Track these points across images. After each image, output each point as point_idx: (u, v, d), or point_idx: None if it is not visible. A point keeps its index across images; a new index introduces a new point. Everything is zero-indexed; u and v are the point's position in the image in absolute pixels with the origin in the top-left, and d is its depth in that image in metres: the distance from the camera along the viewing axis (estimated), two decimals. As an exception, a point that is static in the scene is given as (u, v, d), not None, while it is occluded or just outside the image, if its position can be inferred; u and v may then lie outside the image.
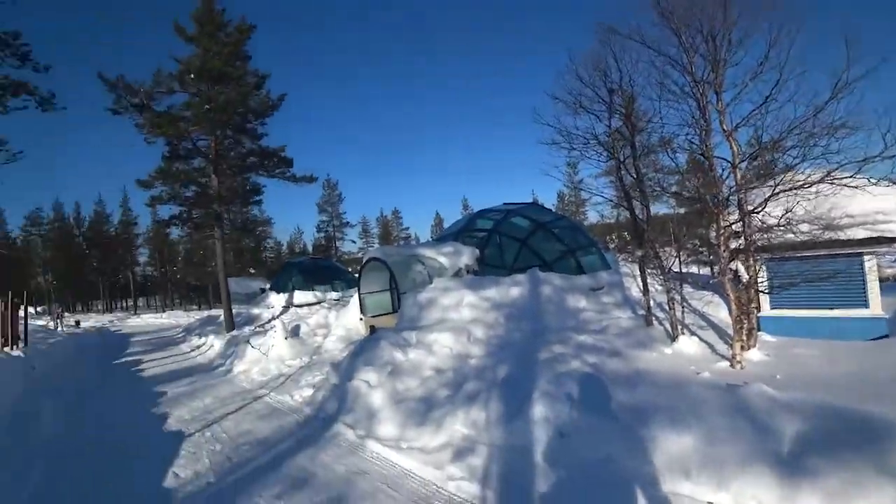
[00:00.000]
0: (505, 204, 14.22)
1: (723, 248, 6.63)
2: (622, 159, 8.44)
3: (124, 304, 66.78)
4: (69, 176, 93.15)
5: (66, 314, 39.73)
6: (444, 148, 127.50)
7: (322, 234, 61.64)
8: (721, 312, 8.81)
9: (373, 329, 10.50)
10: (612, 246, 13.44)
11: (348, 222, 62.50)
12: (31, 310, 13.31)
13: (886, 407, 3.85)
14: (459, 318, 8.93)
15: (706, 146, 7.01)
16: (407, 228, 75.48)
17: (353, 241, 65.08)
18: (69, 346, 17.22)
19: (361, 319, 11.89)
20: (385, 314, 11.82)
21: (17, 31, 12.75)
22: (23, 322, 12.80)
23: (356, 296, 12.55)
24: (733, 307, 6.52)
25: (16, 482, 5.16)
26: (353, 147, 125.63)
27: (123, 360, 15.58)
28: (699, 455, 3.67)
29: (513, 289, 9.80)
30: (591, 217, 50.26)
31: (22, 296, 13.30)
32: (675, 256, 7.69)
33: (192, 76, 16.50)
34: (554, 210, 19.89)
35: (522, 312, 9.12)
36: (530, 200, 15.54)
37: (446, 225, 41.58)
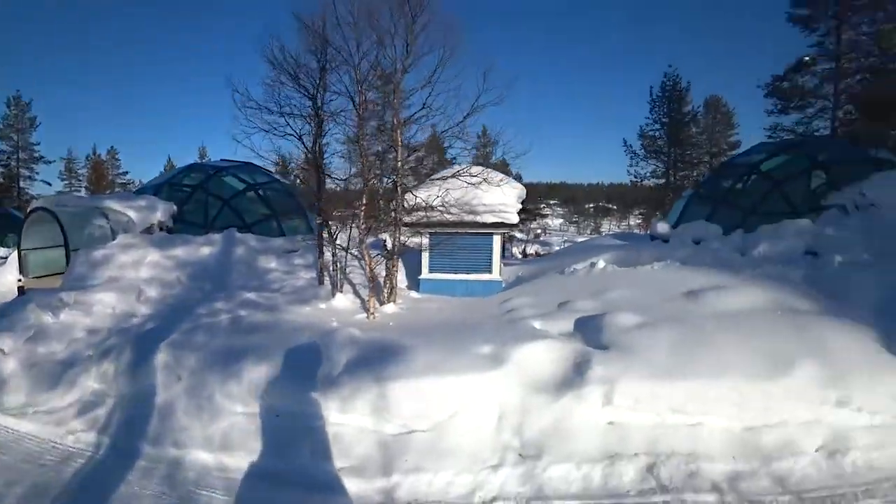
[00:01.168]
0: (222, 160, 13.96)
1: (361, 222, 8.26)
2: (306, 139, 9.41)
3: None
4: None
5: None
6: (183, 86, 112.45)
7: (1, 170, 48.11)
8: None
9: (21, 290, 9.39)
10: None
11: (43, 157, 49.95)
12: None
13: (406, 339, 5.66)
14: (136, 276, 8.79)
15: (360, 136, 8.50)
16: (126, 173, 63.93)
17: (49, 183, 51.62)
18: None
19: (20, 281, 10.35)
20: (55, 274, 10.53)
21: None
22: None
23: (15, 253, 10.83)
24: (367, 269, 8.20)
25: None
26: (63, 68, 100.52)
27: None
28: (271, 378, 4.90)
29: (203, 248, 10.02)
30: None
31: None
32: (341, 227, 9.16)
33: None
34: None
35: (208, 272, 9.47)
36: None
37: (175, 173, 37.30)
